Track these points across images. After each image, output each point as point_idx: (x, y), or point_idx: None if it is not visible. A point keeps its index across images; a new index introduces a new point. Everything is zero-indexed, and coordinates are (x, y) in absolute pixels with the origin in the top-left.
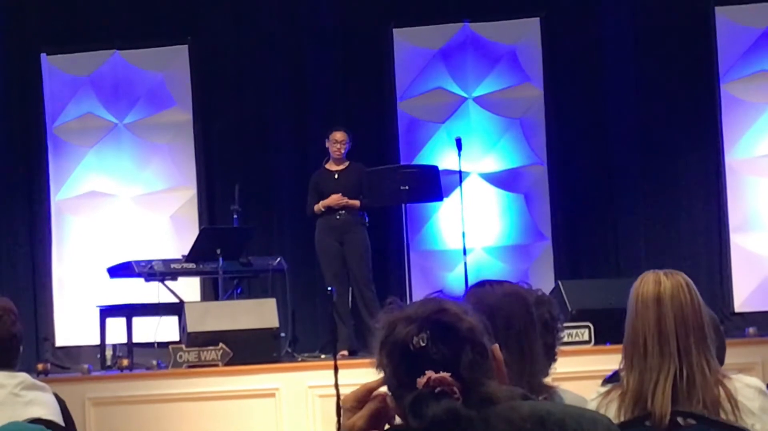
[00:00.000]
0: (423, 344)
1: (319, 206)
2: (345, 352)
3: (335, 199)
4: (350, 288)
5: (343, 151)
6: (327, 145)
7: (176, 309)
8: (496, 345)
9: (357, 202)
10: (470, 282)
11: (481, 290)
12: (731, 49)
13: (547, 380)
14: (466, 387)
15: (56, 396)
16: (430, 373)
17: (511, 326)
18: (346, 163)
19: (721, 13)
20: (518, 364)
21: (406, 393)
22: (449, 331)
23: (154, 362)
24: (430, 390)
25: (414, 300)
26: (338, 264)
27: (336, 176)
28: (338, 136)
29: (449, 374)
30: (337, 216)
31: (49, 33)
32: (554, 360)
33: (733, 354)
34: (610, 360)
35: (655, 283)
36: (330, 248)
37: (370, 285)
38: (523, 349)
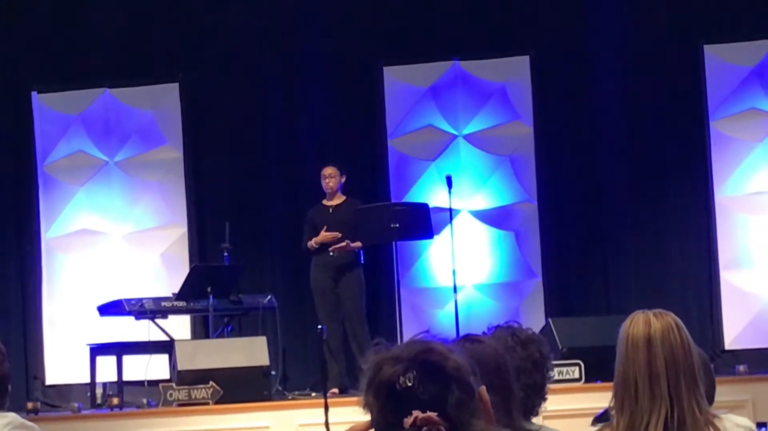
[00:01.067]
0: (410, 384)
1: (312, 243)
2: (335, 390)
3: (326, 235)
4: (343, 326)
5: (333, 186)
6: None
7: (166, 347)
8: (483, 387)
9: (358, 244)
10: (461, 320)
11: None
12: (720, 87)
13: (537, 419)
14: (453, 426)
15: None
16: (416, 413)
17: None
18: (342, 198)
19: (710, 51)
20: (502, 407)
21: None
22: (436, 371)
23: (145, 400)
24: (417, 430)
25: (404, 337)
26: (332, 302)
27: (330, 211)
28: (326, 171)
29: (436, 414)
30: (332, 254)
31: (40, 71)
32: (544, 398)
33: (724, 392)
34: (601, 398)
35: (645, 324)
36: (324, 286)
37: (363, 324)
38: (504, 392)
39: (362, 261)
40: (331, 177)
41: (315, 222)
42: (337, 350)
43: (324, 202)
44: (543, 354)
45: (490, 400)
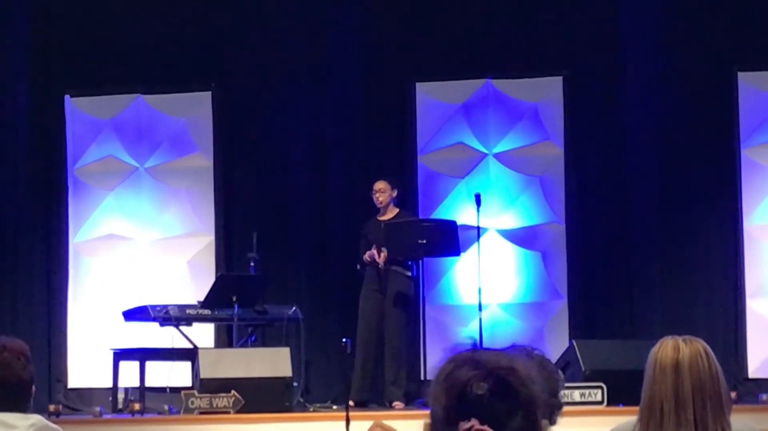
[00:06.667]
0: (480, 393)
1: (366, 258)
2: (352, 403)
3: (385, 257)
4: (381, 337)
5: (382, 200)
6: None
7: (190, 354)
8: (546, 422)
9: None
10: (484, 338)
11: None
12: (753, 115)
13: None
14: None
15: None
16: (474, 422)
17: None
18: (395, 212)
19: (743, 78)
20: None
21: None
22: (510, 392)
23: (166, 407)
24: None
25: (428, 353)
26: (376, 315)
27: (383, 226)
28: (377, 185)
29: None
30: (383, 268)
31: (74, 75)
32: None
33: (746, 421)
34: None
35: (674, 349)
36: (371, 300)
37: (402, 333)
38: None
39: (413, 272)
40: (381, 192)
41: (368, 239)
42: (369, 362)
43: (378, 216)
44: (555, 379)
45: None
